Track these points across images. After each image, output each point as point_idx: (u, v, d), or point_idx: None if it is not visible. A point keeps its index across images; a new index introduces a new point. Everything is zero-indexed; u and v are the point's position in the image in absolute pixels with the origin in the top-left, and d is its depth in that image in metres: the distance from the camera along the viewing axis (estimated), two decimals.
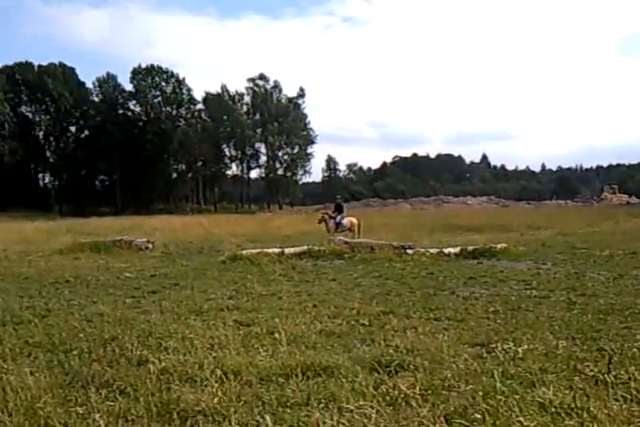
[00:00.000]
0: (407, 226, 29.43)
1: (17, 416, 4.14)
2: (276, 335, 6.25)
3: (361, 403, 4.14)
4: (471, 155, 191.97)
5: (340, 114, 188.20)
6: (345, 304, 8.63)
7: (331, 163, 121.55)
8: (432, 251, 15.64)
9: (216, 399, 4.29)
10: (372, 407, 4.04)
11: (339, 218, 22.12)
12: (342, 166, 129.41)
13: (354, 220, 22.45)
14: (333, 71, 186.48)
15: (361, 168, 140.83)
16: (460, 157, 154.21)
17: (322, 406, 4.17)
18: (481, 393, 4.33)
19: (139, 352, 5.81)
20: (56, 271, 13.75)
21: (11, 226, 37.16)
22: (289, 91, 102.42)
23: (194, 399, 4.30)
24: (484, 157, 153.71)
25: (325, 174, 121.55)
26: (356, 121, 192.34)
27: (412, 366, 5.20)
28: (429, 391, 4.51)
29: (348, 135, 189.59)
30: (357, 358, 5.55)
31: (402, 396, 4.36)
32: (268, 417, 3.99)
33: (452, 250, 15.70)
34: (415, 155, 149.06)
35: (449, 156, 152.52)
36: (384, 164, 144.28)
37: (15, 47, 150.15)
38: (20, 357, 5.96)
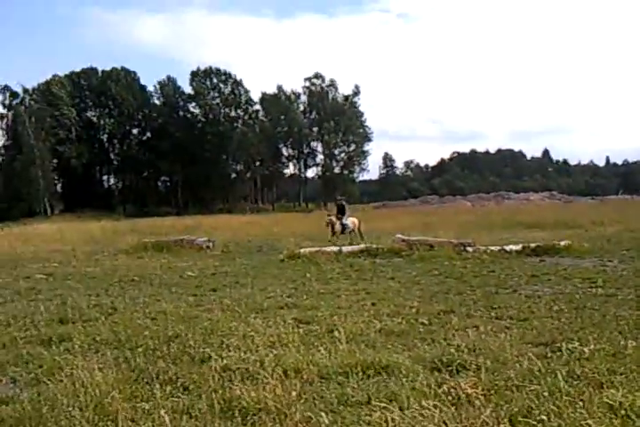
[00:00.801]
0: (466, 223, 28.97)
1: (87, 411, 4.28)
2: (336, 334, 6.26)
3: (422, 403, 4.11)
4: (532, 150, 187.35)
5: (396, 111, 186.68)
6: (404, 303, 8.58)
7: (387, 160, 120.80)
8: (493, 248, 15.35)
9: (277, 397, 4.34)
10: (434, 407, 4.00)
11: (344, 219, 21.33)
12: (399, 163, 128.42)
13: (355, 220, 21.91)
14: (390, 68, 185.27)
15: (418, 165, 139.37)
16: (520, 151, 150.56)
17: (383, 405, 4.14)
18: (546, 394, 4.23)
19: (201, 350, 5.93)
20: (121, 270, 14.17)
21: (78, 226, 38.55)
22: (345, 89, 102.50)
23: (255, 397, 4.36)
24: (546, 152, 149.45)
25: (382, 172, 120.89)
26: (413, 117, 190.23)
27: (474, 366, 5.13)
28: (492, 391, 4.44)
29: (404, 132, 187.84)
30: (418, 358, 5.52)
31: (464, 396, 4.30)
32: (325, 416, 4.01)
33: (513, 247, 15.37)
34: (474, 151, 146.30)
35: (509, 151, 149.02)
36: (442, 160, 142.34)
37: (79, 54, 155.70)
38: (89, 353, 6.18)
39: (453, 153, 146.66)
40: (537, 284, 10.45)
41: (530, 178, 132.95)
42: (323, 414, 4.02)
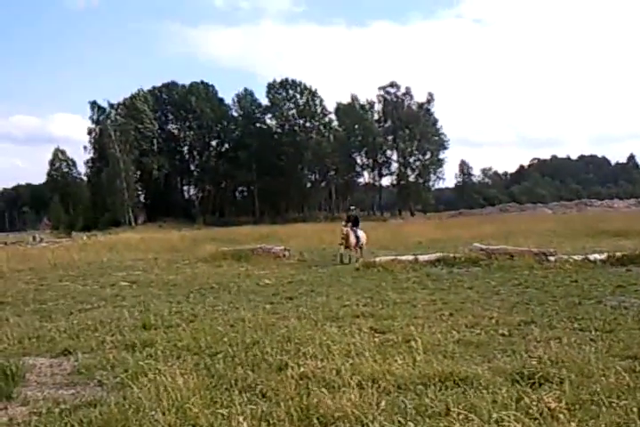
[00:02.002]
0: (547, 231, 28.08)
1: (169, 415, 4.39)
2: (413, 344, 6.19)
3: (503, 415, 3.99)
4: (616, 155, 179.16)
5: (473, 117, 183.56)
6: (483, 313, 8.40)
7: (464, 167, 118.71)
8: (575, 257, 14.79)
9: (354, 406, 4.32)
10: (515, 420, 3.88)
11: (358, 232, 19.52)
12: (476, 171, 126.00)
13: (364, 235, 20.12)
14: (465, 73, 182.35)
15: (496, 172, 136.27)
16: (604, 157, 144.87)
17: (462, 416, 4.06)
18: (635, 409, 4.03)
19: (278, 357, 5.99)
20: (201, 278, 14.53)
21: (160, 235, 39.88)
22: (420, 96, 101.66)
23: (332, 405, 4.36)
24: (631, 158, 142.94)
25: (459, 179, 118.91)
26: (490, 124, 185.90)
27: (557, 379, 4.95)
28: (577, 406, 4.28)
29: (481, 139, 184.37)
30: (498, 369, 5.38)
31: (547, 410, 4.15)
32: (403, 425, 3.96)
33: (597, 256, 14.76)
34: (555, 157, 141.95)
35: (592, 157, 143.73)
36: (521, 167, 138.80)
37: (161, 69, 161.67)
38: (171, 359, 6.35)
39: (533, 159, 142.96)
40: (623, 294, 9.99)
41: (614, 184, 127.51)
42: (400, 423, 3.98)
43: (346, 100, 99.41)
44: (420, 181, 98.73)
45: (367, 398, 4.52)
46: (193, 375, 5.35)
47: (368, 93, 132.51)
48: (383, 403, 4.49)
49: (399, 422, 4.08)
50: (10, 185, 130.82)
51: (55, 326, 8.63)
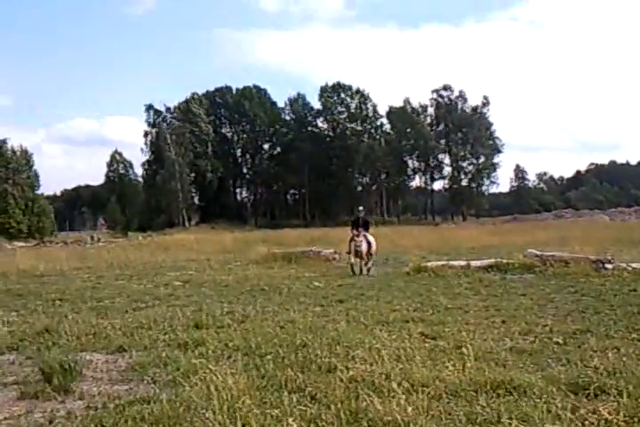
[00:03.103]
0: (605, 238, 27.20)
1: (219, 414, 4.44)
2: (464, 350, 6.09)
3: (557, 426, 3.90)
4: None
5: (528, 121, 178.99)
6: (537, 321, 8.22)
7: (519, 172, 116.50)
8: (635, 266, 14.29)
9: (404, 411, 4.29)
10: None
11: (369, 237, 17.17)
12: (531, 176, 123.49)
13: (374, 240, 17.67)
14: (520, 76, 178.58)
15: (552, 177, 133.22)
16: None
17: (514, 425, 3.98)
18: None
19: (328, 360, 6.00)
20: (252, 280, 14.69)
21: (212, 237, 40.50)
22: (473, 100, 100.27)
23: (382, 409, 4.33)
24: None
25: (513, 184, 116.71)
26: (546, 128, 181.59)
27: (614, 390, 4.79)
28: (635, 419, 4.13)
29: (537, 143, 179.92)
30: (552, 379, 5.25)
31: (603, 422, 4.04)
32: None
33: None
34: (613, 162, 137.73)
35: None
36: (578, 172, 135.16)
37: (214, 73, 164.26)
38: (222, 358, 6.44)
39: (590, 164, 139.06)
40: None
41: None
42: None
43: (398, 103, 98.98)
44: (474, 185, 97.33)
45: (417, 403, 4.48)
46: (243, 375, 5.41)
47: (421, 97, 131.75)
48: (433, 409, 4.45)
49: None
50: (70, 186, 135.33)
51: (111, 324, 8.87)
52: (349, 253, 16.79)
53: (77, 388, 5.62)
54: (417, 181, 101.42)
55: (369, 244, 16.87)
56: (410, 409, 4.32)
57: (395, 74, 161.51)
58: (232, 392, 4.83)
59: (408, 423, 4.11)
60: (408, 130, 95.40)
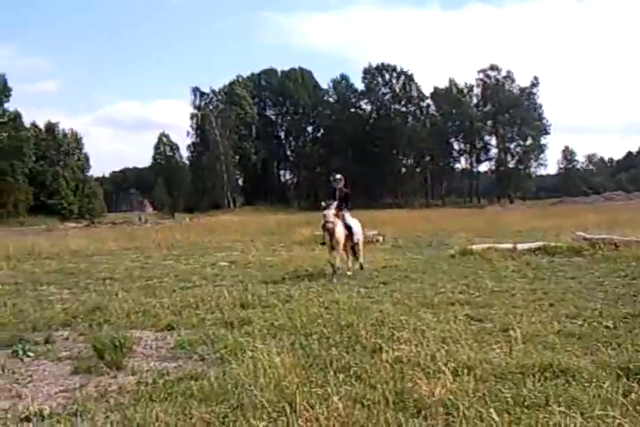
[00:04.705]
0: None
1: (267, 392, 4.51)
2: (511, 333, 6.03)
3: (608, 411, 3.83)
4: None
5: (577, 101, 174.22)
6: (585, 305, 8.04)
7: (567, 154, 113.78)
8: None
9: (450, 392, 4.28)
10: (621, 416, 3.71)
11: (347, 218, 12.59)
12: (580, 157, 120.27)
13: (358, 224, 13.13)
14: (568, 55, 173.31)
15: (602, 159, 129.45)
16: None
17: (562, 409, 3.92)
18: None
19: (373, 340, 6.02)
20: (296, 261, 14.77)
21: (257, 218, 40.92)
22: (521, 80, 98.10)
23: (427, 390, 4.33)
24: None
25: (561, 166, 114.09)
26: (596, 109, 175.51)
27: None
28: None
29: (586, 124, 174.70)
30: (601, 363, 5.14)
31: None
32: (499, 415, 3.87)
33: None
34: None
35: None
36: (629, 153, 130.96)
37: (258, 56, 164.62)
38: (267, 337, 6.54)
39: None
40: None
41: None
42: (497, 412, 3.90)
43: (443, 84, 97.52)
44: (521, 167, 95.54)
45: (463, 385, 4.46)
46: (289, 354, 5.48)
47: (466, 77, 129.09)
48: (479, 391, 4.42)
49: (496, 411, 3.99)
50: (118, 168, 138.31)
51: (159, 302, 9.08)
52: (324, 243, 12.54)
53: (128, 364, 5.79)
54: (462, 163, 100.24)
55: (349, 229, 12.37)
56: (455, 391, 4.31)
57: (439, 55, 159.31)
58: (278, 370, 4.89)
59: (454, 404, 4.10)
60: (453, 111, 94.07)
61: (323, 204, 12.48)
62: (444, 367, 4.78)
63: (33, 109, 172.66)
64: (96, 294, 10.41)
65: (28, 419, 4.36)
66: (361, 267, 12.82)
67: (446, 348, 5.58)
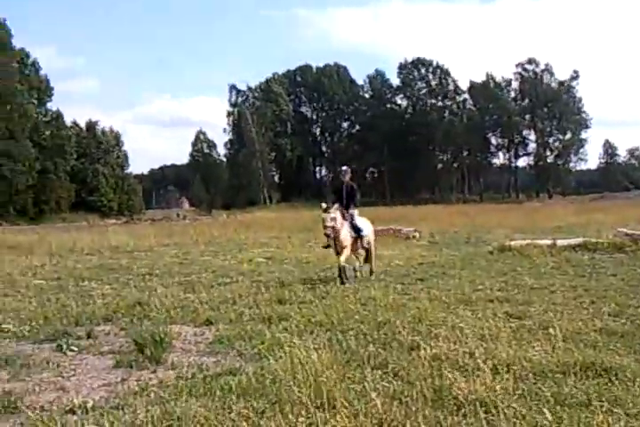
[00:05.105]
0: None
1: (304, 388, 4.52)
2: (551, 331, 5.93)
3: None
4: None
5: (618, 95, 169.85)
6: (628, 302, 7.89)
7: (608, 148, 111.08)
8: None
9: (489, 390, 4.24)
10: None
11: (355, 218, 11.39)
12: (622, 151, 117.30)
13: (370, 224, 12.21)
14: (608, 49, 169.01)
15: None
16: None
17: (605, 409, 3.85)
18: None
19: (410, 337, 5.98)
20: (331, 257, 14.76)
21: (293, 215, 41.07)
22: (560, 74, 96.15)
23: (466, 388, 4.29)
24: None
25: (602, 161, 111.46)
26: (638, 102, 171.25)
27: None
28: None
29: (628, 118, 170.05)
30: None
31: None
32: (541, 413, 3.82)
33: None
34: None
35: None
36: None
37: (294, 53, 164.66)
38: (305, 333, 6.56)
39: None
40: None
41: None
42: (537, 411, 3.85)
43: (480, 78, 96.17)
44: (560, 162, 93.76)
45: (502, 383, 4.41)
46: (326, 350, 5.46)
47: (504, 71, 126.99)
48: (519, 389, 4.37)
49: (536, 410, 3.94)
50: (156, 166, 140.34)
51: (198, 298, 9.19)
52: (328, 246, 11.50)
53: (168, 358, 5.87)
54: (500, 158, 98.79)
55: (357, 231, 11.15)
56: (494, 389, 4.26)
57: (475, 49, 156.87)
58: (316, 366, 4.88)
59: (493, 403, 4.06)
60: (490, 105, 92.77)
61: (323, 205, 11.12)
62: (482, 365, 4.74)
63: (73, 108, 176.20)
64: (136, 289, 10.59)
65: (72, 411, 4.46)
66: (371, 272, 11.54)
67: (485, 345, 5.53)
